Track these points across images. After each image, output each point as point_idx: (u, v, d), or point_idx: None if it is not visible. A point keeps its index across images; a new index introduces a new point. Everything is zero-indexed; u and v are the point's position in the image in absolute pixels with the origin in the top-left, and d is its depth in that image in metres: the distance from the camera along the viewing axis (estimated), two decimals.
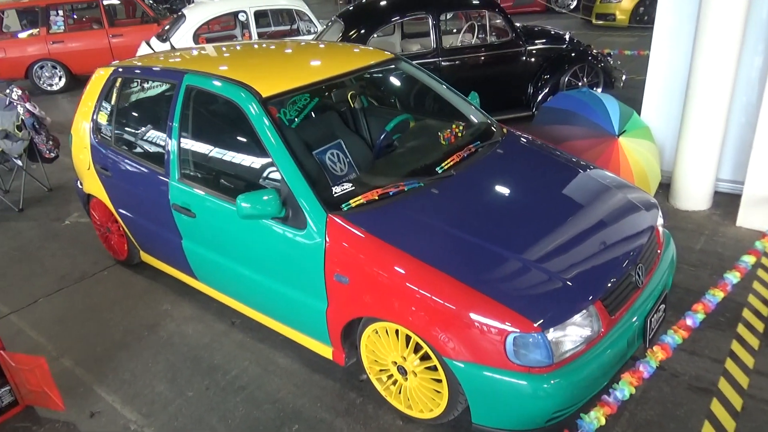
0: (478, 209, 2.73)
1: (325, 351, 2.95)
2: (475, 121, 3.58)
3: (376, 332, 2.63)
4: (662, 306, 2.70)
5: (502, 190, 2.93)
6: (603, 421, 1.99)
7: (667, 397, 2.72)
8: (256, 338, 3.38)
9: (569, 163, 3.23)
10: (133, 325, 3.62)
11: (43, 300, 3.98)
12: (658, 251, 2.82)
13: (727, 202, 4.42)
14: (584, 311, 2.30)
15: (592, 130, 4.22)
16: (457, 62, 6.18)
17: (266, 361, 3.19)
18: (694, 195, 4.35)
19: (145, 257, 4.06)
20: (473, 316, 2.24)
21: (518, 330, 2.19)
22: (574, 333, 2.29)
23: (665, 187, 4.64)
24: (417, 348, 2.52)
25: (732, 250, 3.82)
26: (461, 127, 3.38)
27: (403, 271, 2.41)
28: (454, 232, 2.55)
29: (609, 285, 2.40)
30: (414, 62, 3.86)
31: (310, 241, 2.66)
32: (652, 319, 2.59)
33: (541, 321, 2.20)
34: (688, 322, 2.53)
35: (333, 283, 2.63)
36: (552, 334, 2.22)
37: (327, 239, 2.60)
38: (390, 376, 2.73)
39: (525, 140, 3.45)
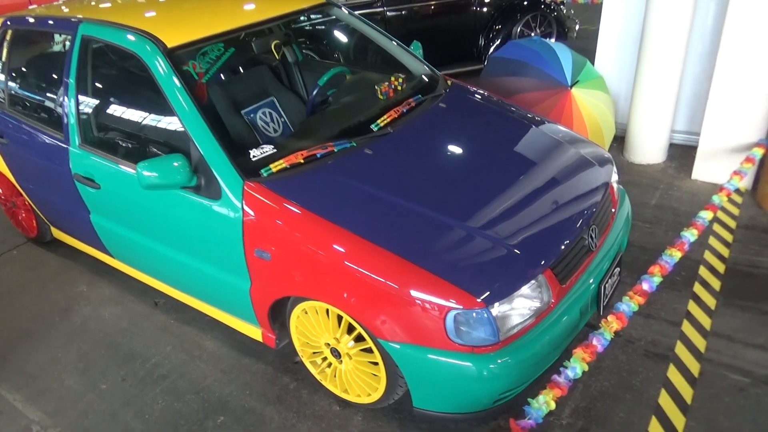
0: (417, 171, 2.44)
1: (254, 333, 2.66)
2: (417, 73, 3.25)
3: (306, 312, 2.34)
4: (617, 269, 2.49)
5: (444, 148, 2.64)
6: (552, 405, 1.79)
7: (623, 365, 2.55)
8: (180, 320, 3.05)
9: (518, 118, 2.96)
10: (43, 311, 3.24)
11: None
12: (613, 210, 2.60)
13: (682, 154, 4.25)
14: (533, 281, 2.06)
15: (543, 81, 3.94)
16: (404, 12, 5.79)
17: (191, 346, 2.88)
18: (649, 148, 4.16)
19: (57, 234, 3.64)
20: (412, 293, 1.98)
21: (460, 306, 1.93)
22: (522, 306, 2.05)
23: (620, 141, 4.45)
24: (351, 328, 2.25)
25: (688, 204, 3.67)
26: (401, 80, 3.04)
27: (331, 245, 2.11)
28: (389, 197, 2.26)
29: (560, 251, 2.17)
30: (358, 12, 3.48)
31: (226, 213, 2.32)
32: (607, 285, 2.38)
33: (486, 295, 1.95)
34: (645, 286, 2.34)
35: (254, 259, 2.32)
36: (497, 309, 1.97)
37: (244, 210, 2.27)
38: (325, 359, 2.46)
39: (471, 93, 3.14)
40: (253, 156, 2.38)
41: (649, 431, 2.24)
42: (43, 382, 2.76)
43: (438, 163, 2.53)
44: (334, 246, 2.11)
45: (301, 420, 2.42)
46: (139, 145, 2.78)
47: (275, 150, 2.43)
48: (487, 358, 1.98)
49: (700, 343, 2.62)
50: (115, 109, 2.94)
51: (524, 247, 2.12)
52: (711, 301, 2.86)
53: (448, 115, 2.87)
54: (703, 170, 3.88)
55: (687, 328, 2.71)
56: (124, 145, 2.83)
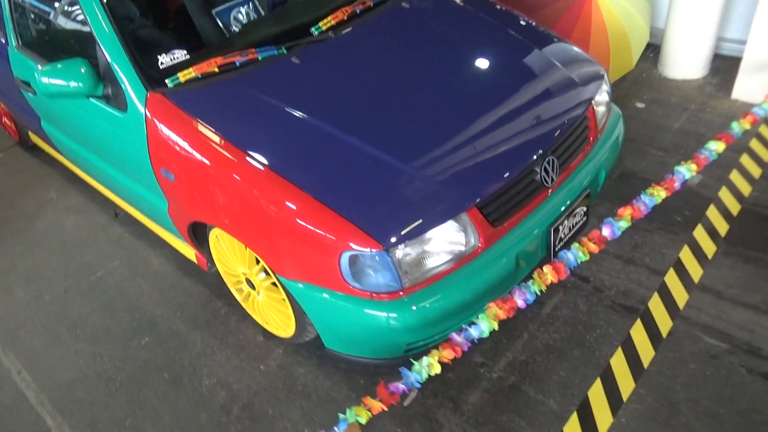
0: (348, 87, 2.09)
1: (189, 253, 2.52)
2: None
3: (218, 239, 2.16)
4: (582, 209, 2.12)
5: (389, 59, 2.25)
6: (437, 369, 1.53)
7: (581, 317, 2.24)
8: (135, 234, 2.96)
9: (498, 25, 2.47)
10: (13, 216, 3.25)
11: None
12: (590, 137, 2.18)
13: (728, 68, 3.56)
14: (452, 222, 1.75)
15: None
16: None
17: (138, 262, 2.80)
18: (687, 59, 3.52)
19: (34, 139, 3.59)
20: (306, 228, 1.73)
21: (357, 247, 1.67)
22: (438, 249, 1.76)
23: (656, 51, 3.80)
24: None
25: (718, 129, 3.10)
26: None
27: (230, 173, 1.86)
28: (307, 119, 1.94)
29: (493, 188, 1.82)
30: None
31: (133, 127, 2.11)
32: (563, 227, 2.03)
33: (387, 237, 1.67)
34: (604, 231, 1.96)
35: (162, 179, 2.12)
36: (402, 252, 1.70)
37: (147, 125, 2.05)
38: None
39: None
40: (161, 63, 2.12)
41: (589, 395, 1.96)
42: None
43: (376, 78, 2.16)
44: (233, 174, 1.86)
45: (221, 348, 2.31)
46: (65, 49, 2.56)
47: (188, 56, 2.15)
48: (387, 305, 1.74)
49: (681, 297, 2.24)
50: (45, 10, 2.70)
51: (450, 182, 1.79)
52: (710, 248, 2.43)
53: (407, 19, 2.44)
54: (746, 88, 3.24)
55: (671, 278, 2.32)
56: (54, 45, 2.62)
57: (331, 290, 1.79)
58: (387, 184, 1.78)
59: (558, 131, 2.01)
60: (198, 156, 1.93)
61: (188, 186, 2.02)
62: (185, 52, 2.16)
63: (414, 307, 1.74)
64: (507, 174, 1.85)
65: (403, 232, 1.69)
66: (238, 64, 2.12)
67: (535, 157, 1.92)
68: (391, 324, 1.74)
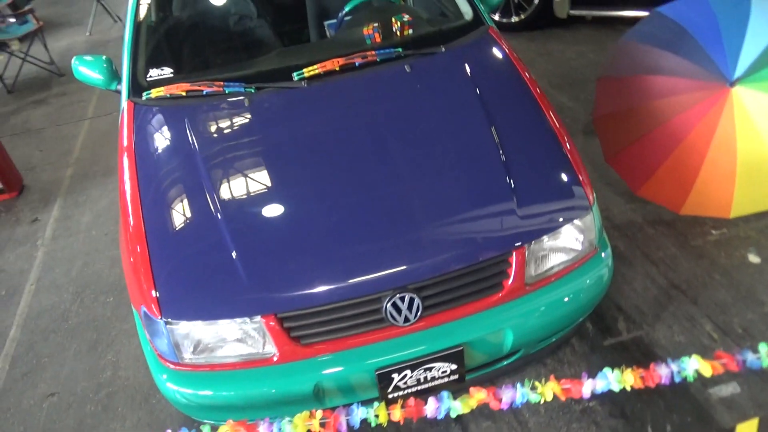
0: (267, 149, 2.04)
1: None
2: (454, 17, 2.52)
3: None
4: (449, 366, 1.74)
5: (339, 126, 2.08)
6: None
7: None
8: None
9: (489, 117, 2.03)
10: None
11: None
12: (503, 286, 1.74)
13: None
14: (245, 321, 1.64)
15: (695, 66, 2.55)
16: None
17: None
18: None
19: None
20: (128, 268, 1.82)
21: (145, 306, 1.70)
22: (228, 340, 1.68)
23: None
24: None
25: None
26: (400, 24, 2.39)
27: (122, 195, 2.00)
28: (201, 170, 1.94)
29: (304, 304, 1.63)
30: None
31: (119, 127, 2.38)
32: (405, 377, 1.71)
33: (173, 310, 1.66)
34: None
35: None
36: (185, 329, 1.66)
37: (119, 127, 2.29)
38: None
39: (479, 60, 2.30)
40: (150, 75, 2.32)
41: None
42: None
43: (302, 146, 2.02)
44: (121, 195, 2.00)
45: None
46: None
47: (172, 74, 2.31)
48: (168, 371, 1.74)
49: None
50: None
51: (264, 282, 1.67)
52: None
53: (397, 85, 2.20)
54: None
55: None
56: None
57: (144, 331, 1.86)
58: (211, 261, 1.73)
59: (434, 269, 1.67)
60: (121, 169, 2.11)
61: None
62: (172, 70, 2.33)
63: (183, 389, 1.71)
64: (329, 296, 1.63)
65: (187, 311, 1.65)
66: (204, 93, 2.22)
67: (378, 291, 1.64)
68: (167, 387, 1.74)
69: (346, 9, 2.78)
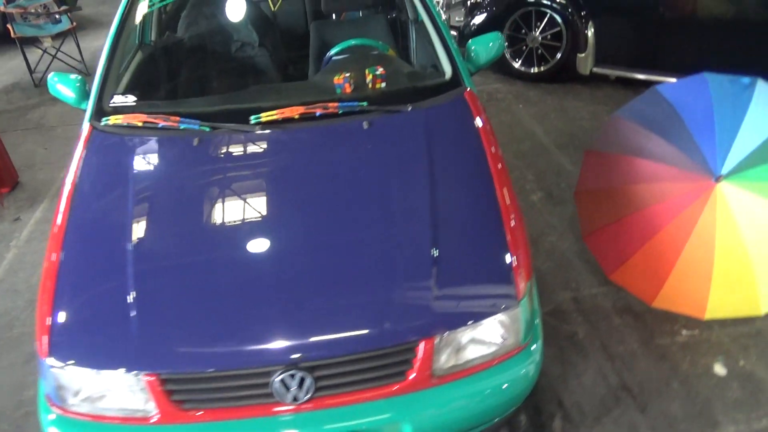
0: (201, 195, 1.98)
1: None
2: (439, 72, 2.44)
3: None
4: None
5: (269, 183, 2.03)
6: None
7: None
8: None
9: (432, 189, 1.93)
10: None
11: None
12: (405, 376, 1.63)
13: None
14: (125, 375, 1.58)
15: (682, 155, 2.39)
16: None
17: None
18: None
19: None
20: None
21: (38, 342, 1.67)
22: (108, 392, 1.62)
23: None
24: None
25: None
26: (372, 77, 2.33)
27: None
28: (125, 210, 1.89)
29: (184, 369, 1.57)
30: None
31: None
32: None
33: (57, 352, 1.61)
34: None
35: None
36: (65, 373, 1.61)
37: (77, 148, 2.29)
38: None
39: (444, 124, 2.20)
40: (113, 102, 2.32)
41: None
42: None
43: (241, 195, 1.96)
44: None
45: None
46: None
47: (135, 103, 2.31)
48: (51, 412, 1.69)
49: None
50: None
51: (152, 335, 1.61)
52: None
53: (350, 142, 2.13)
54: None
55: None
56: None
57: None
58: (109, 305, 1.68)
59: (330, 350, 1.58)
60: (60, 193, 2.09)
61: None
62: (136, 98, 2.33)
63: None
64: (215, 363, 1.56)
65: (74, 355, 1.61)
66: (160, 126, 2.20)
67: (267, 365, 1.56)
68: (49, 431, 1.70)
69: (333, 51, 2.75)
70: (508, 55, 4.81)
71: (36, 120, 4.68)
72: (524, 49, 4.75)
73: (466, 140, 2.17)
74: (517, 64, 4.81)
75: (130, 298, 1.65)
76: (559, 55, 4.63)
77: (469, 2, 5.05)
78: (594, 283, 2.74)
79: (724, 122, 2.40)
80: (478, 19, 4.82)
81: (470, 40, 2.59)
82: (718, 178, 2.31)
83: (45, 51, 5.37)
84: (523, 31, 4.68)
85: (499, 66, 4.93)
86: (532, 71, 4.77)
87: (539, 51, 4.71)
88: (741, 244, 2.29)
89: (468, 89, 2.37)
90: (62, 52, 5.41)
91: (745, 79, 2.55)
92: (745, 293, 2.36)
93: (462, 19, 5.14)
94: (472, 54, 2.55)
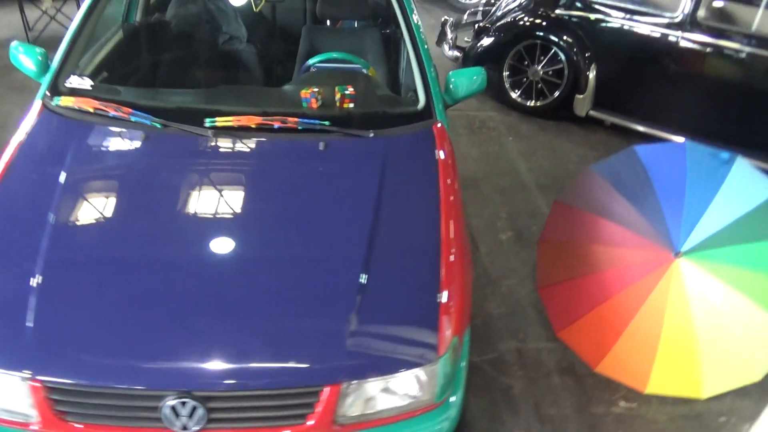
0: (135, 196, 1.91)
1: None
2: (413, 100, 2.36)
3: None
4: None
5: (207, 195, 1.94)
6: None
7: None
8: None
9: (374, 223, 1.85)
10: None
11: None
12: (305, 422, 1.55)
13: None
14: (11, 372, 1.50)
15: (647, 224, 2.32)
16: (714, 51, 3.98)
17: None
18: None
19: None
20: None
21: None
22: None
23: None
24: None
25: None
26: (340, 96, 2.25)
27: None
28: (53, 203, 1.79)
29: (67, 376, 1.49)
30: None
31: None
32: None
33: None
34: None
35: None
36: None
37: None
38: None
39: (405, 156, 2.13)
40: (68, 82, 2.24)
41: None
42: None
43: (175, 203, 1.89)
44: None
45: None
46: None
47: (92, 87, 2.23)
48: None
49: None
50: None
51: (45, 335, 1.53)
52: None
53: (302, 162, 2.06)
54: None
55: None
56: None
57: None
58: (11, 294, 1.60)
59: (226, 383, 1.50)
60: None
61: None
62: (97, 80, 2.25)
63: None
64: (103, 378, 1.48)
65: None
66: (110, 115, 2.12)
67: (158, 389, 1.48)
68: None
69: (311, 61, 2.68)
70: (507, 85, 4.73)
71: (20, 80, 4.58)
72: (524, 81, 4.67)
73: (422, 173, 2.09)
74: (515, 95, 4.73)
75: (34, 287, 1.58)
76: (557, 93, 4.55)
77: (477, 25, 4.97)
78: (542, 337, 2.66)
79: (694, 197, 2.33)
80: (484, 43, 4.74)
81: (451, 72, 2.50)
82: (677, 254, 2.24)
83: (45, 12, 5.27)
84: (526, 62, 4.60)
85: (497, 93, 4.86)
86: (528, 104, 4.69)
87: (539, 85, 4.63)
88: (690, 324, 2.23)
89: (438, 122, 2.29)
90: (62, 13, 5.32)
91: (725, 155, 2.48)
92: (689, 373, 2.30)
93: (469, 40, 5.06)
94: (451, 86, 2.46)
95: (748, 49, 3.87)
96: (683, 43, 4.04)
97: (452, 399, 1.74)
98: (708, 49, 3.98)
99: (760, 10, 4.15)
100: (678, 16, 4.05)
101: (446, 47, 5.06)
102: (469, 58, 4.83)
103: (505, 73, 4.70)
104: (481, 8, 5.48)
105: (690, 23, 4.01)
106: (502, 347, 2.60)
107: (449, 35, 5.04)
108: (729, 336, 2.23)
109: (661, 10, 4.17)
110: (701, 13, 4.01)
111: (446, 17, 5.23)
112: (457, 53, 4.95)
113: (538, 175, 3.94)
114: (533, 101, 4.69)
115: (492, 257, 3.13)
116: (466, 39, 5.14)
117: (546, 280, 2.61)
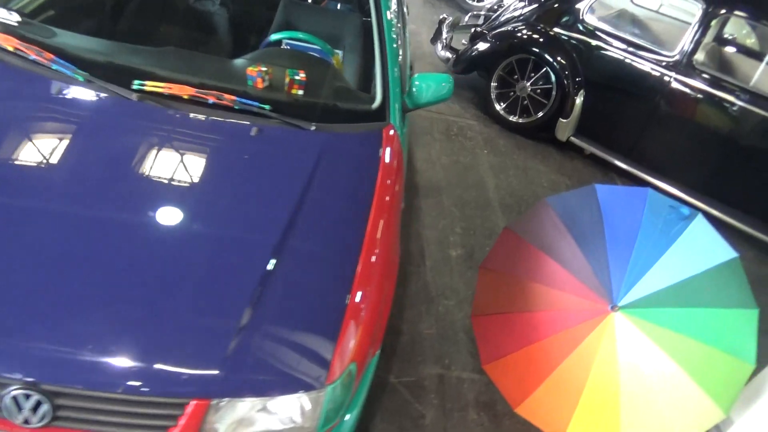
0: (34, 159, 1.70)
1: None
2: (370, 98, 2.19)
3: None
4: None
5: (115, 169, 1.72)
6: None
7: None
8: None
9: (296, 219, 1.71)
10: None
11: None
12: None
13: None
14: None
15: (591, 272, 2.19)
16: (705, 98, 3.86)
17: None
18: None
19: None
20: None
21: None
22: None
23: None
24: None
25: None
26: (291, 80, 2.07)
27: None
28: None
29: None
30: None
31: None
32: None
33: None
34: None
35: None
36: None
37: None
38: None
39: (339, 157, 1.97)
40: None
41: None
42: None
43: (74, 172, 1.67)
44: None
45: None
46: None
47: (18, 23, 2.02)
48: None
49: None
50: None
51: None
52: None
53: (228, 146, 1.89)
54: None
55: None
56: None
57: None
58: None
59: (73, 379, 1.34)
60: None
61: None
62: (19, 18, 2.04)
63: None
64: None
65: None
66: (31, 58, 1.92)
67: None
68: None
69: (273, 37, 2.49)
70: (493, 96, 4.58)
71: None
72: (511, 95, 4.52)
73: (360, 171, 1.95)
74: (499, 107, 4.58)
75: None
76: (542, 113, 4.41)
77: (474, 29, 4.79)
78: (468, 367, 2.53)
79: (643, 250, 2.20)
80: (478, 48, 4.57)
81: (417, 75, 2.34)
82: (614, 307, 2.12)
83: None
84: (516, 76, 4.44)
85: (482, 103, 4.71)
86: (511, 119, 4.54)
87: (525, 102, 4.48)
88: (615, 380, 2.11)
89: (389, 125, 2.13)
90: None
91: (685, 210, 2.35)
92: (607, 430, 2.18)
93: (466, 42, 4.89)
94: (414, 89, 2.30)
95: (740, 103, 3.75)
96: (675, 85, 3.92)
97: (347, 417, 1.61)
98: (699, 95, 3.87)
99: (762, 65, 4.04)
100: (675, 56, 3.92)
101: (439, 47, 4.88)
102: (461, 61, 4.68)
103: (493, 84, 4.54)
104: (483, 12, 5.32)
105: (685, 65, 3.89)
106: (424, 371, 2.46)
107: (444, 35, 4.86)
108: (652, 399, 2.11)
109: (660, 47, 4.04)
110: (699, 56, 3.89)
111: (444, 15, 5.05)
112: (449, 54, 4.78)
113: (504, 194, 3.80)
114: (516, 117, 4.54)
115: (436, 273, 2.99)
116: (463, 42, 4.97)
117: (481, 309, 2.47)
